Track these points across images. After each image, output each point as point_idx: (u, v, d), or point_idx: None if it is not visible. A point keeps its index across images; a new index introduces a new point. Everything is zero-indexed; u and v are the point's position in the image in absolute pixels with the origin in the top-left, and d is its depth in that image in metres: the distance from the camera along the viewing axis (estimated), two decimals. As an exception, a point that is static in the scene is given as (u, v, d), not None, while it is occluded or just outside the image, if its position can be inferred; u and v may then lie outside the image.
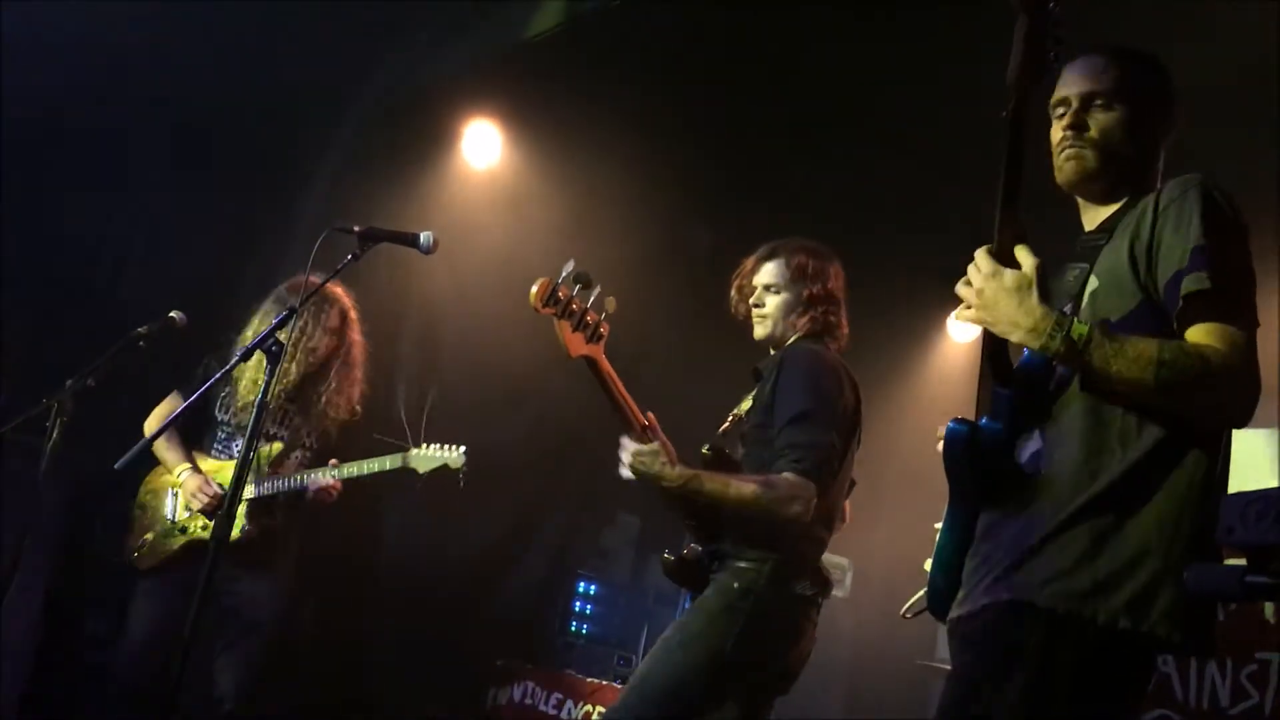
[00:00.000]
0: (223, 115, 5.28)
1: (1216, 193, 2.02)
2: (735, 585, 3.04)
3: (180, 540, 4.15)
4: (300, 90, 5.45)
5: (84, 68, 4.89)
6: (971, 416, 2.09)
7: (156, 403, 4.20)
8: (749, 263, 3.44)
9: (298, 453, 4.26)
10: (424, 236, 3.29)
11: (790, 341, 3.32)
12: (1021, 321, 1.97)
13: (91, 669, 4.99)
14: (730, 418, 3.41)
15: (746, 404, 3.35)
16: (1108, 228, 2.16)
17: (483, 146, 5.80)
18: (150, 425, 4.12)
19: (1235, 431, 2.02)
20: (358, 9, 5.20)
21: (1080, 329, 1.94)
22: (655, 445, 3.03)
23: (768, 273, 3.37)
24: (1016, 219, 2.02)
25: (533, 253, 5.78)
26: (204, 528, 4.11)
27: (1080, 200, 2.28)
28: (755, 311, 3.38)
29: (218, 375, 3.24)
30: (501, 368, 5.84)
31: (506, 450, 5.87)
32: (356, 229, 3.25)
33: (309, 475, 4.12)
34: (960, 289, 2.07)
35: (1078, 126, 2.19)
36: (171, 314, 3.96)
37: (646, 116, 5.31)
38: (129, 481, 4.23)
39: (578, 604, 6.09)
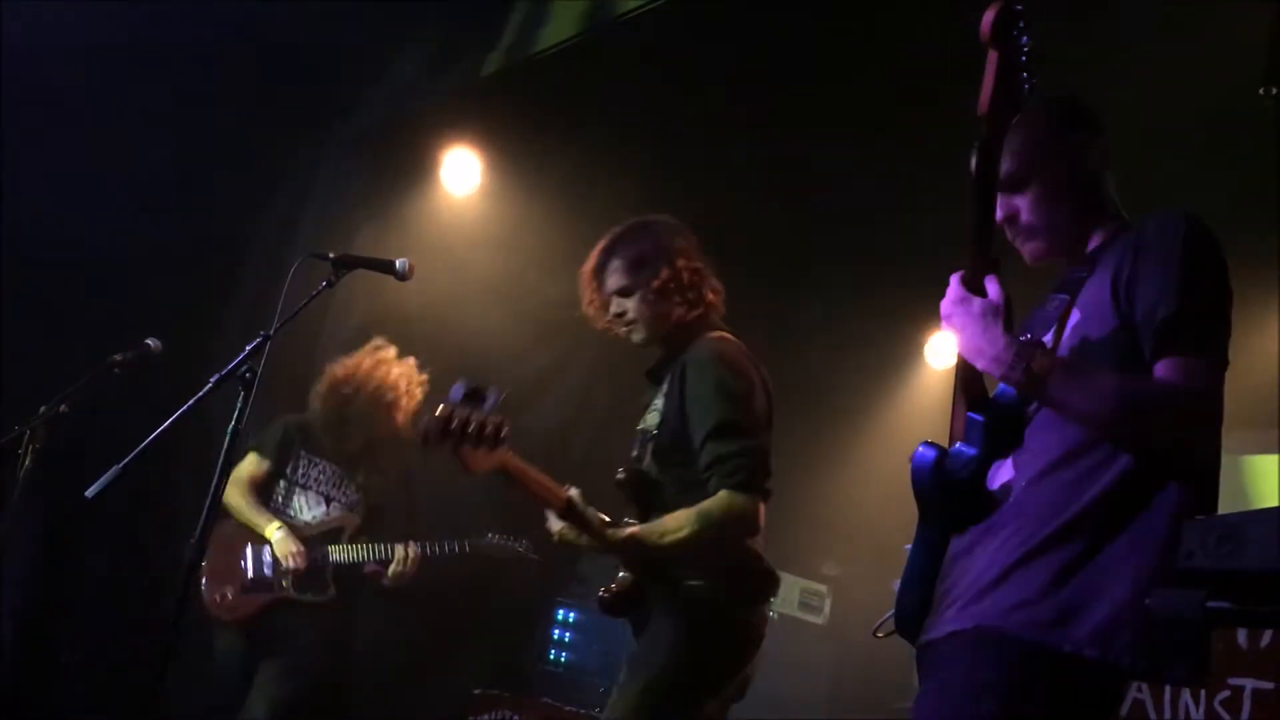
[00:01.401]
0: (202, 144, 5.27)
1: (1197, 227, 2.03)
2: (687, 604, 2.91)
3: (265, 598, 4.46)
4: (281, 119, 5.45)
5: (65, 92, 4.88)
6: (946, 442, 2.09)
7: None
8: (586, 275, 3.23)
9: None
10: (400, 263, 3.30)
11: (673, 334, 3.14)
12: (986, 349, 1.98)
13: (66, 699, 4.94)
14: (637, 434, 3.19)
15: (652, 418, 3.13)
16: (1091, 261, 2.17)
17: (462, 174, 5.80)
18: (232, 490, 4.45)
19: (1255, 458, 2.03)
20: (337, 39, 5.21)
21: (1043, 361, 1.95)
22: (572, 527, 2.91)
23: (613, 276, 3.16)
24: (989, 249, 2.04)
25: (512, 279, 5.80)
26: (288, 584, 4.44)
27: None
28: (620, 321, 3.18)
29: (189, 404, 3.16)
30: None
31: (481, 478, 5.85)
32: (331, 255, 3.25)
33: (390, 549, 4.48)
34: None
35: (1010, 219, 2.24)
36: (147, 340, 3.94)
37: (625, 144, 5.34)
38: (102, 508, 4.20)
39: (557, 632, 6.05)
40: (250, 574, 4.48)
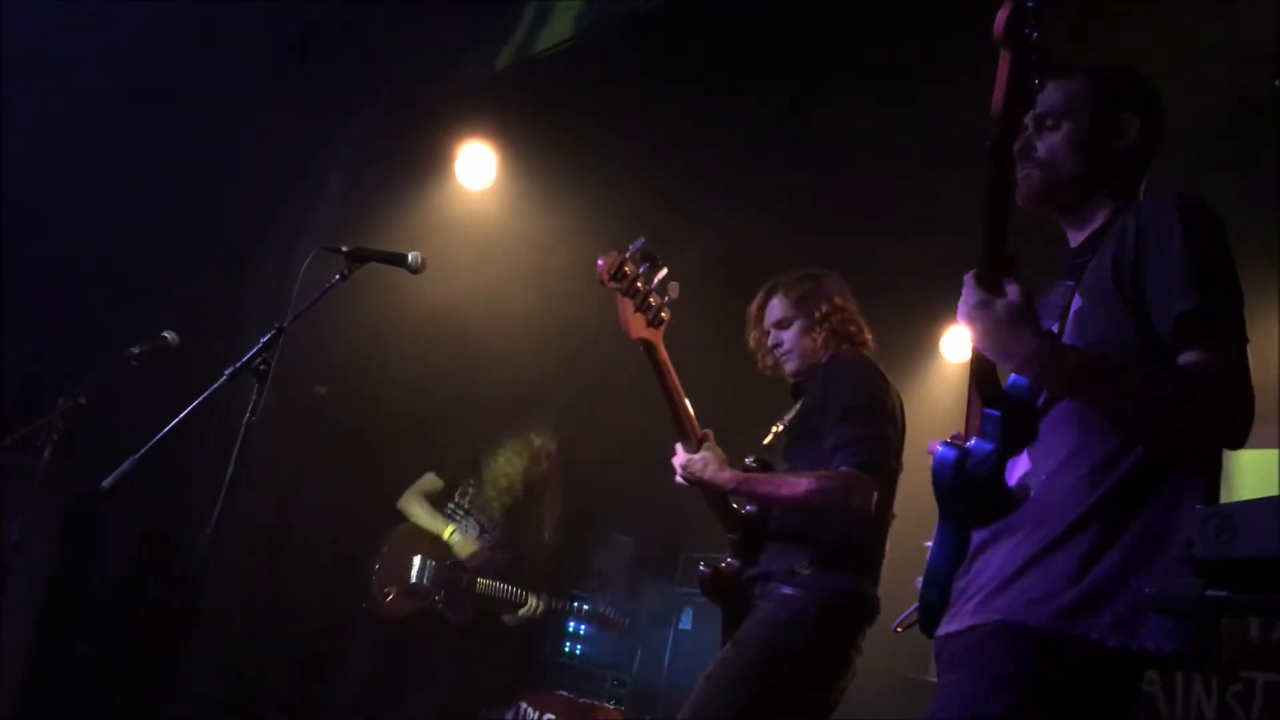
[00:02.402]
0: (218, 138, 5.29)
1: (1197, 205, 2.02)
2: (784, 617, 2.96)
3: (418, 604, 4.99)
4: (296, 112, 5.47)
5: (82, 91, 4.90)
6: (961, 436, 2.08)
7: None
8: (753, 310, 3.44)
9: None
10: (412, 256, 3.30)
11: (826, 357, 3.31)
12: (1015, 351, 1.96)
13: (81, 692, 4.97)
14: (772, 431, 3.36)
15: (788, 416, 3.32)
16: (1091, 245, 2.16)
17: (477, 168, 5.81)
18: (410, 501, 5.21)
19: (1250, 453, 2.02)
20: (351, 34, 5.23)
21: (1074, 358, 1.94)
22: (706, 454, 3.00)
23: (774, 310, 3.37)
24: (1004, 246, 2.01)
25: (527, 274, 5.80)
26: (439, 600, 4.99)
27: (1058, 220, 2.28)
28: (776, 351, 3.37)
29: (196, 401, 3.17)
30: (494, 388, 5.84)
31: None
32: (344, 249, 3.25)
33: (524, 595, 5.11)
34: (960, 317, 2.06)
35: (1025, 149, 2.22)
36: (164, 334, 3.96)
37: (640, 137, 5.33)
38: (119, 501, 4.24)
39: (571, 624, 6.06)
40: (413, 579, 5.02)
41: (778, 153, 5.38)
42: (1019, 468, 2.07)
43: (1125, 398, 1.93)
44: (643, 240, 2.84)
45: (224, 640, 5.28)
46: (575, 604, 5.39)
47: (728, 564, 3.20)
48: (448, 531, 5.10)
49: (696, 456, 3.01)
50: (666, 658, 5.75)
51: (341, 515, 5.35)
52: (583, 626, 6.10)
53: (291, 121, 5.45)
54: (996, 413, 2.03)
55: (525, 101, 5.43)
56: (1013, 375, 2.07)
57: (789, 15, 4.58)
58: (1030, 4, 1.95)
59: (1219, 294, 1.96)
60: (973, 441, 2.05)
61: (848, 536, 3.04)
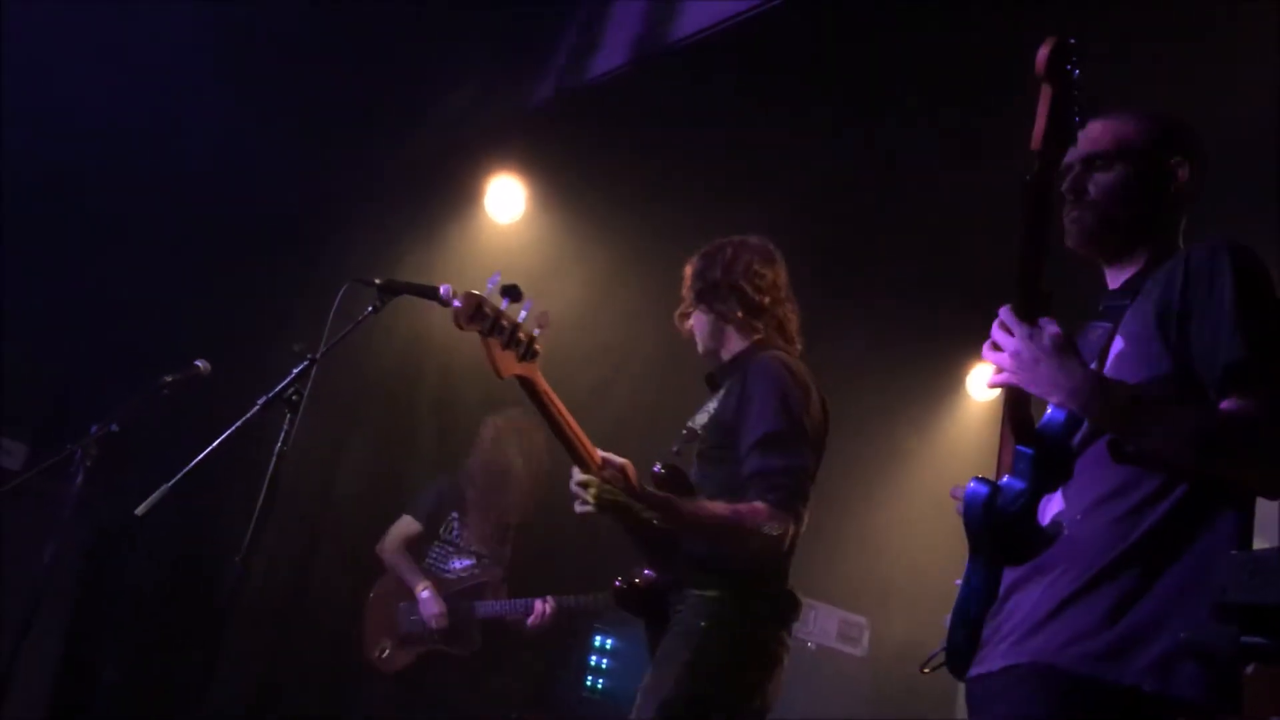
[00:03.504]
0: (247, 171, 5.36)
1: (1247, 255, 2.01)
2: (702, 623, 2.88)
3: (417, 650, 4.92)
4: (329, 145, 5.53)
5: (114, 118, 4.98)
6: (992, 475, 2.07)
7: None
8: (684, 279, 3.34)
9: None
10: (444, 289, 3.31)
11: (746, 349, 3.18)
12: (1063, 383, 1.96)
13: (107, 714, 4.99)
14: (684, 431, 3.24)
15: (701, 418, 3.18)
16: (1132, 288, 2.15)
17: (506, 201, 5.85)
18: (390, 549, 5.11)
19: None
20: (382, 63, 5.29)
21: (1121, 393, 1.93)
22: (616, 474, 2.90)
23: (688, 287, 3.30)
24: (1040, 282, 2.01)
25: (557, 307, 5.82)
26: (439, 639, 4.88)
27: (1099, 261, 2.28)
28: (690, 329, 3.30)
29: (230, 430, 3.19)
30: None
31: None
32: (377, 281, 3.28)
33: (529, 604, 4.89)
34: (988, 354, 2.05)
35: (1076, 190, 2.21)
36: (196, 362, 3.99)
37: (668, 172, 5.36)
38: (149, 526, 4.27)
39: (593, 658, 6.04)
40: (405, 629, 4.95)
41: (803, 183, 5.39)
42: (1052, 506, 2.06)
43: (1168, 435, 1.92)
44: (498, 275, 2.76)
45: (250, 666, 5.30)
46: (597, 640, 5.34)
47: (643, 576, 3.10)
48: (417, 589, 4.98)
49: (607, 477, 2.88)
50: (645, 673, 5.70)
51: (369, 545, 5.35)
52: (604, 661, 6.08)
53: (325, 155, 5.51)
54: (1030, 450, 2.02)
55: (555, 136, 5.47)
56: (1047, 414, 2.06)
57: (814, 45, 4.60)
58: (1073, 40, 1.97)
59: (1267, 344, 1.95)
60: (1005, 479, 2.04)
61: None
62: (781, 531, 2.86)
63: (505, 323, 2.74)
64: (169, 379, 3.91)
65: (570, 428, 2.90)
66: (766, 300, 3.21)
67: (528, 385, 2.83)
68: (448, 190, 5.89)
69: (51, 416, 5.10)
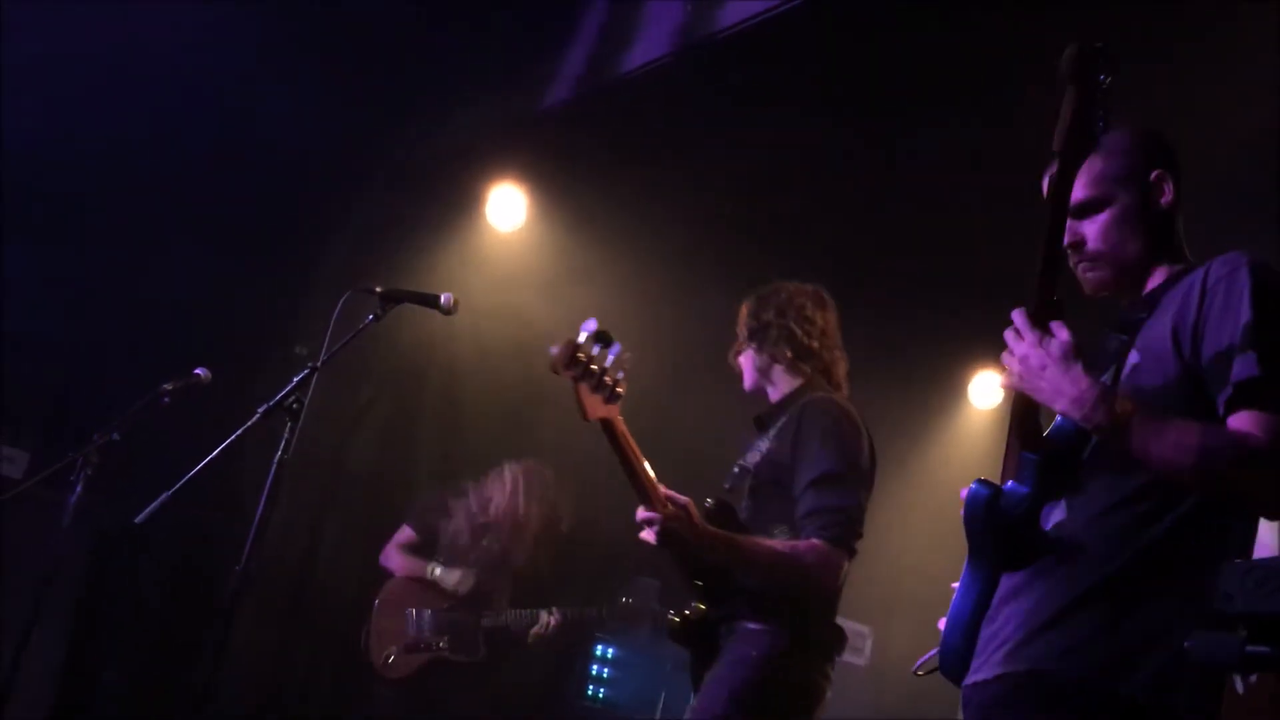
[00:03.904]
0: (248, 178, 5.36)
1: (1266, 272, 1.98)
2: (753, 654, 2.96)
3: (422, 657, 4.90)
4: (326, 151, 5.53)
5: (107, 123, 4.98)
6: (996, 480, 2.05)
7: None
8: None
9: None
10: (445, 297, 3.32)
11: (794, 390, 3.28)
12: (1067, 391, 1.93)
13: (109, 718, 5.00)
14: (735, 470, 3.33)
15: (753, 456, 3.26)
16: (1150, 302, 2.13)
17: (508, 209, 5.85)
18: (391, 555, 5.11)
19: None
20: (382, 72, 5.29)
21: (1125, 404, 1.91)
22: (679, 511, 2.93)
23: (740, 326, 3.41)
24: (1054, 288, 2.01)
25: (557, 316, 5.82)
26: (444, 645, 4.89)
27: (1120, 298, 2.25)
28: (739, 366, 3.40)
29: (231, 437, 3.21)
30: (524, 430, 5.85)
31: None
32: (378, 289, 3.28)
33: (534, 614, 4.91)
34: (1005, 358, 2.03)
35: (1076, 245, 2.18)
36: (197, 371, 3.99)
37: (669, 181, 5.36)
38: (150, 532, 4.27)
39: (595, 668, 6.03)
40: (411, 635, 4.93)
41: (807, 193, 5.39)
42: (1055, 514, 2.05)
43: (1174, 448, 1.89)
44: (594, 321, 2.80)
45: (252, 672, 5.29)
46: (599, 649, 5.33)
47: (694, 609, 3.18)
48: (428, 569, 5.01)
49: (674, 512, 2.92)
50: (690, 701, 5.69)
51: (372, 551, 5.34)
52: (605, 670, 6.07)
53: (326, 162, 5.52)
54: (1034, 456, 2.01)
55: (556, 144, 5.47)
56: (1056, 421, 2.05)
57: (814, 59, 4.60)
58: (1100, 45, 1.96)
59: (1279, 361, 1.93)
60: (1009, 484, 2.03)
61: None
62: (836, 568, 2.97)
63: (595, 367, 2.80)
64: (170, 387, 3.91)
65: (640, 466, 2.94)
66: (815, 345, 3.33)
67: (608, 427, 2.89)
68: (449, 198, 5.89)
69: (53, 424, 5.10)
